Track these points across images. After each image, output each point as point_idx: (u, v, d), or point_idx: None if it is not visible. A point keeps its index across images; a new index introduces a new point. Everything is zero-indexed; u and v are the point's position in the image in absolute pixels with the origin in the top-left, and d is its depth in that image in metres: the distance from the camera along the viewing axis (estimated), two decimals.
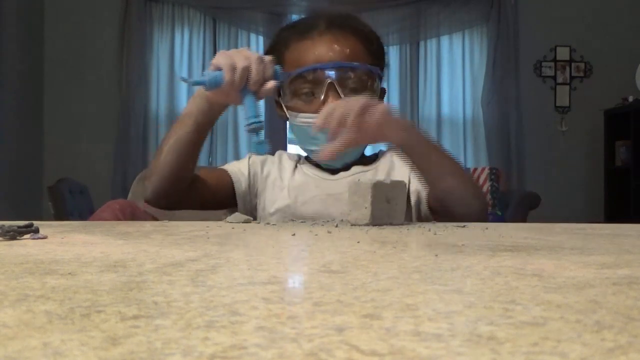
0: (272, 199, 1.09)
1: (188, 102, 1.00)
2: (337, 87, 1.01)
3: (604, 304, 0.25)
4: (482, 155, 4.26)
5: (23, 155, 3.71)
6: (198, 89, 0.95)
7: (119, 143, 3.96)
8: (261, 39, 4.23)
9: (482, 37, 4.35)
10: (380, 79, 1.10)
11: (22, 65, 3.69)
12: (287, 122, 1.11)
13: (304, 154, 1.16)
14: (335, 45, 1.04)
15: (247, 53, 0.91)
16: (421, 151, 0.92)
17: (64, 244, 0.50)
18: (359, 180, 0.84)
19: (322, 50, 1.03)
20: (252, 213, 1.09)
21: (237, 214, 0.85)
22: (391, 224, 0.79)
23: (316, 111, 0.95)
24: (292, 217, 1.04)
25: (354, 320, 0.22)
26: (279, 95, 1.08)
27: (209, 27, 4.19)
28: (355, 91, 1.03)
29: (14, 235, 0.53)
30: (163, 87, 4.11)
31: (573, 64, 4.39)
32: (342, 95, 1.01)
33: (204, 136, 1.00)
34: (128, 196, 1.34)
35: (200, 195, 1.04)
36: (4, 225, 0.54)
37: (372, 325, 0.21)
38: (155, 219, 1.03)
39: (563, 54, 4.39)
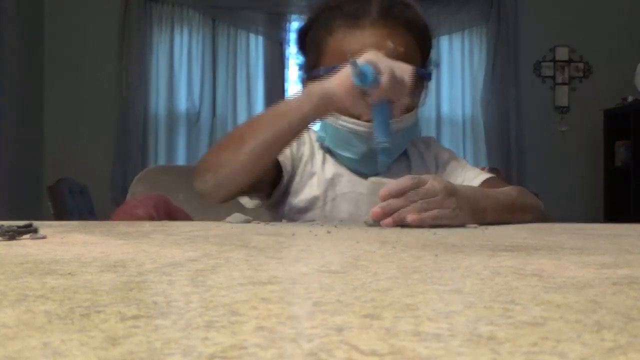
0: (300, 185, 1.00)
1: (296, 97, 0.87)
2: None
3: (604, 304, 0.25)
4: (481, 155, 4.26)
5: (23, 155, 3.70)
6: (309, 88, 0.86)
7: (118, 143, 3.96)
8: (261, 39, 4.23)
9: (481, 38, 4.35)
10: (430, 80, 1.02)
11: (22, 65, 3.69)
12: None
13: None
14: (389, 42, 0.91)
15: (403, 64, 0.82)
16: (491, 218, 0.85)
17: (63, 244, 0.50)
18: (380, 179, 0.80)
19: (373, 45, 0.89)
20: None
21: (236, 214, 0.84)
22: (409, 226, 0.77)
23: (351, 104, 0.85)
24: (320, 214, 0.96)
25: (353, 320, 0.22)
26: (308, 79, 0.98)
27: (208, 27, 4.19)
28: None
29: (13, 235, 0.53)
30: (163, 88, 4.11)
31: (572, 64, 4.39)
32: None
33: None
34: (127, 197, 1.34)
35: (255, 183, 0.93)
36: (3, 225, 0.54)
37: (372, 325, 0.21)
38: (188, 216, 1.00)
39: (562, 54, 4.39)
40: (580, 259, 0.41)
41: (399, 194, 0.75)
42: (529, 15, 4.29)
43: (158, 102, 4.12)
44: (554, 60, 4.39)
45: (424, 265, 0.38)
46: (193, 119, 4.11)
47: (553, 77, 4.39)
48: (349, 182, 1.00)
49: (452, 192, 0.78)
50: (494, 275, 0.33)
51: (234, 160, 0.85)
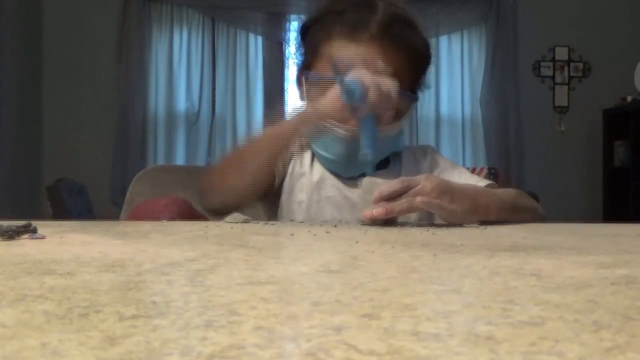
0: (290, 185, 1.03)
1: (291, 121, 0.95)
2: None
3: (602, 304, 0.25)
4: (480, 155, 4.26)
5: (22, 155, 3.70)
6: (303, 114, 0.93)
7: (117, 143, 3.96)
8: (260, 39, 4.23)
9: (480, 37, 4.35)
10: (416, 102, 1.05)
11: (21, 65, 3.69)
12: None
13: None
14: (380, 61, 0.92)
15: (388, 80, 0.86)
16: (487, 217, 0.85)
17: (62, 243, 0.50)
18: (373, 178, 0.82)
19: (367, 62, 0.91)
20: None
21: (235, 214, 0.84)
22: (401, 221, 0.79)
23: (342, 120, 0.90)
24: (305, 216, 0.99)
25: (352, 320, 0.22)
26: (303, 78, 1.02)
27: (207, 27, 4.19)
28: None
29: (12, 235, 0.53)
30: (162, 87, 4.11)
31: (572, 64, 4.40)
32: None
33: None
34: (126, 196, 1.34)
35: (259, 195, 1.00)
36: (2, 225, 0.54)
37: (370, 325, 0.21)
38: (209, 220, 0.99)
39: (562, 53, 4.39)
40: (579, 259, 0.41)
41: (390, 197, 0.79)
42: (528, 15, 4.29)
43: (157, 102, 4.11)
44: (553, 60, 4.39)
45: (423, 265, 0.38)
46: (192, 119, 4.11)
47: (552, 77, 4.39)
48: (333, 187, 1.02)
49: (447, 189, 0.79)
50: (493, 275, 0.34)
51: (239, 184, 0.93)
